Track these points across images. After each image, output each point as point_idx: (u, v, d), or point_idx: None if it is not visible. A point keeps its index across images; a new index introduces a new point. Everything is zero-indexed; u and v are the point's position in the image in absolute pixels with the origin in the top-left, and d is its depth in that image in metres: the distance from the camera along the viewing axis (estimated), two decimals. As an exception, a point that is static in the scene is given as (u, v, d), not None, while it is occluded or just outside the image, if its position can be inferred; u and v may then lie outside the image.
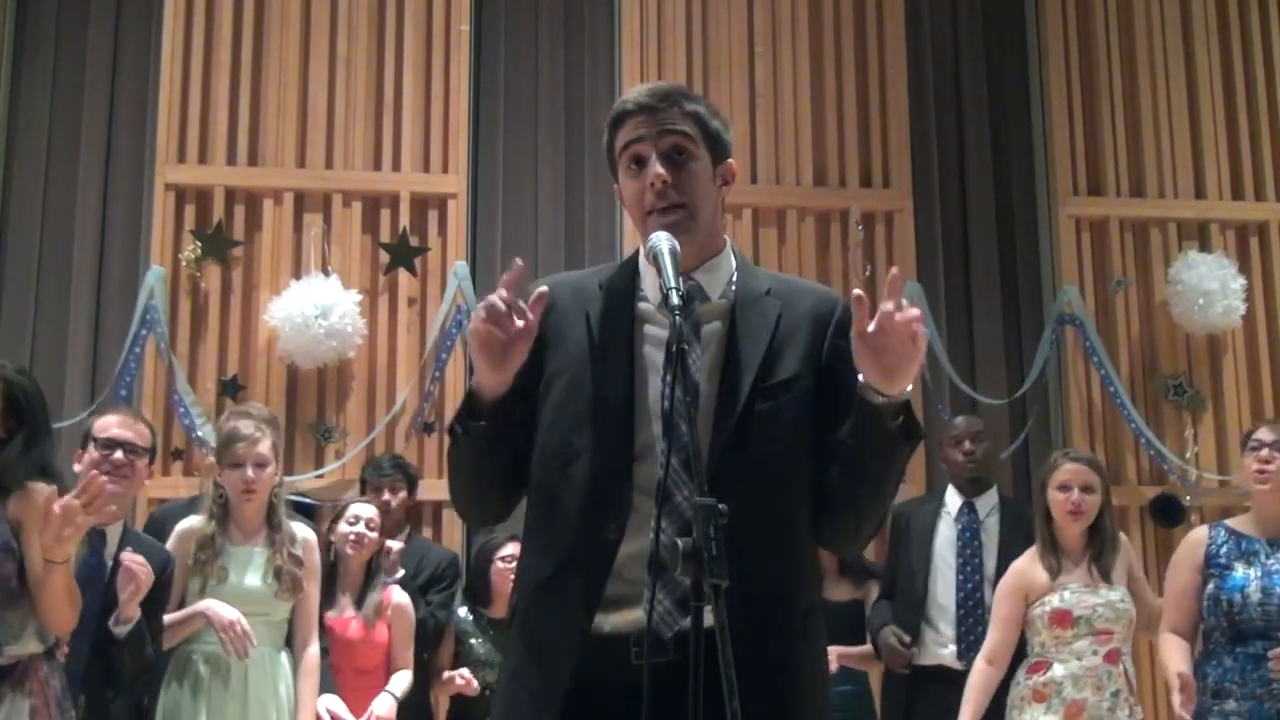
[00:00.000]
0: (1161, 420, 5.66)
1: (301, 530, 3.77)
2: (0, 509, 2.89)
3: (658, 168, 2.05)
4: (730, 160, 2.15)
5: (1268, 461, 3.76)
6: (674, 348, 1.80)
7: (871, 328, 1.86)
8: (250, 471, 3.64)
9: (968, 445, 4.70)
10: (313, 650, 3.73)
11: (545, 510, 2.02)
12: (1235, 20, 6.07)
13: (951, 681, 4.29)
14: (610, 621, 1.92)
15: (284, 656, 3.69)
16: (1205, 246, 5.77)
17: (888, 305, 1.86)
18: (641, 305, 2.09)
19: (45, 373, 5.20)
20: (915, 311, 1.86)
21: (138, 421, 3.65)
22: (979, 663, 4.02)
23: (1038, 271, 5.88)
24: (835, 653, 4.39)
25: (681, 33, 5.72)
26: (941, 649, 4.44)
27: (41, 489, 2.89)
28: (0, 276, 5.40)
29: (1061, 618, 3.87)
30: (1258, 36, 6.08)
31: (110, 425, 3.55)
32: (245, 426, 3.70)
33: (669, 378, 1.96)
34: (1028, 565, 4.01)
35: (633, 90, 2.14)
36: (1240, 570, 3.71)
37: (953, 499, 4.66)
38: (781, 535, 2.01)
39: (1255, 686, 3.57)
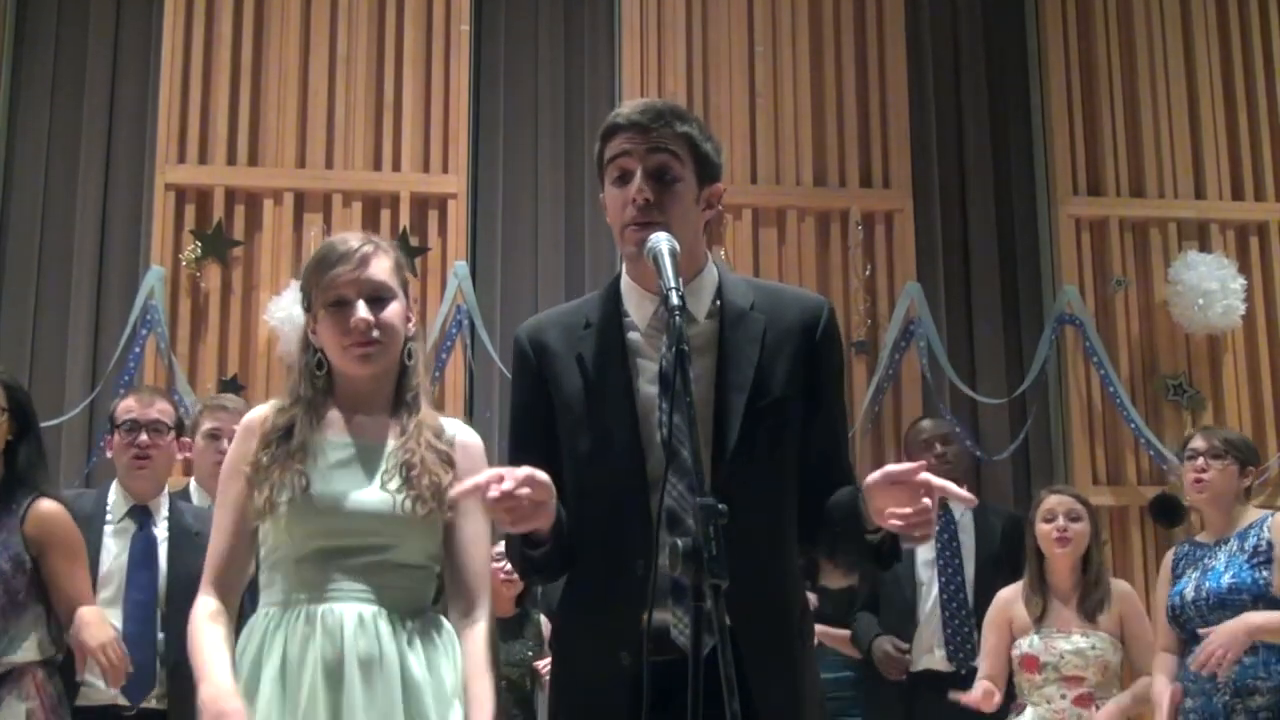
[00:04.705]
0: (1161, 420, 5.65)
1: (456, 426, 2.30)
2: (11, 519, 2.93)
3: (641, 184, 2.07)
4: (719, 184, 2.15)
5: (1203, 470, 3.78)
6: (675, 349, 1.81)
7: (895, 473, 1.88)
8: (363, 310, 2.18)
9: (939, 448, 4.69)
10: (483, 624, 2.19)
11: (577, 546, 2.05)
12: (1235, 20, 6.07)
13: (946, 684, 4.31)
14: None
15: (437, 630, 2.18)
16: (1205, 246, 5.77)
17: (924, 491, 1.85)
18: (630, 337, 2.12)
19: (45, 373, 5.22)
20: (928, 506, 1.86)
21: (155, 399, 3.66)
22: (983, 683, 4.00)
23: (1038, 271, 5.88)
24: (818, 630, 4.40)
25: (681, 33, 5.71)
26: (929, 654, 4.45)
27: (56, 519, 2.97)
28: (0, 276, 5.40)
29: (1029, 663, 3.94)
30: (1258, 36, 6.07)
31: (130, 407, 3.58)
32: (350, 238, 2.27)
33: (667, 402, 1.99)
34: (1013, 597, 4.06)
35: (627, 104, 2.16)
36: (1187, 575, 3.76)
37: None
38: (779, 547, 2.08)
39: (1204, 683, 3.60)
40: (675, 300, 1.84)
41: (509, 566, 4.25)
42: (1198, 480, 3.80)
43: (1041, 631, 3.94)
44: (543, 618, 4.43)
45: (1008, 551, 4.46)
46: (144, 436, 3.53)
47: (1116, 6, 6.00)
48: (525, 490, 1.83)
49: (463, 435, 2.27)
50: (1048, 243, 5.84)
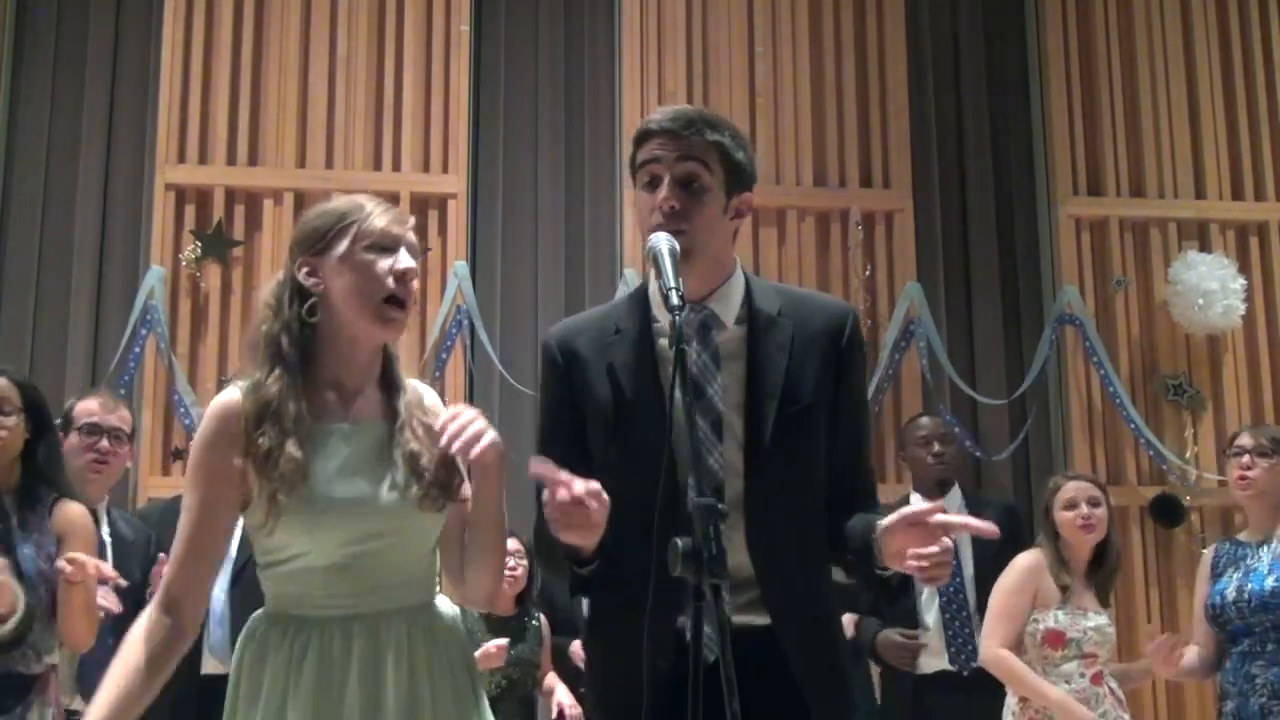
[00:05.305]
0: (1161, 420, 5.65)
1: (428, 393, 2.15)
2: (37, 518, 2.93)
3: (668, 192, 2.07)
4: (748, 193, 2.16)
5: (1249, 468, 3.80)
6: (675, 348, 1.82)
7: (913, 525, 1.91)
8: (408, 259, 2.09)
9: (937, 447, 4.67)
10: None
11: (610, 556, 2.05)
12: (1235, 20, 6.07)
13: (956, 684, 4.30)
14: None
15: (443, 619, 2.07)
16: (1205, 246, 5.77)
17: (943, 538, 1.88)
18: (661, 344, 2.12)
19: (45, 373, 5.20)
20: (948, 546, 1.88)
21: (119, 405, 3.65)
22: (1002, 651, 3.91)
23: (1038, 271, 5.88)
24: (849, 620, 4.41)
25: (681, 33, 5.72)
26: (936, 656, 4.44)
27: (79, 519, 2.96)
28: (0, 276, 5.40)
29: (1054, 638, 3.88)
30: (1258, 36, 6.08)
31: (93, 410, 3.54)
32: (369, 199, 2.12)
33: (697, 410, 2.00)
34: (1037, 564, 3.97)
35: (660, 110, 2.17)
36: (1227, 575, 3.79)
37: (919, 503, 4.57)
38: (812, 549, 2.11)
39: (1242, 684, 3.65)
40: (675, 300, 1.86)
41: (511, 563, 4.27)
42: (1242, 477, 3.81)
43: (1065, 608, 3.91)
44: (542, 618, 4.44)
45: (1006, 545, 4.43)
46: (105, 443, 3.51)
47: (1116, 6, 6.01)
48: (595, 505, 1.84)
49: (430, 398, 2.12)
50: (1048, 243, 5.84)
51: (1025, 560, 3.99)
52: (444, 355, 5.31)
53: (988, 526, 1.94)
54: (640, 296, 2.19)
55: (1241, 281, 5.62)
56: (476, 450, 1.91)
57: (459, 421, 1.92)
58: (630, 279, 5.36)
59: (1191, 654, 3.86)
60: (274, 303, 2.01)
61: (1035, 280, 5.88)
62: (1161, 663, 3.78)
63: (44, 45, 5.57)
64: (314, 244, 2.02)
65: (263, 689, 1.92)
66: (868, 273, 5.59)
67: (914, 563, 1.86)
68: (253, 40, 5.50)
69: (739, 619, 2.03)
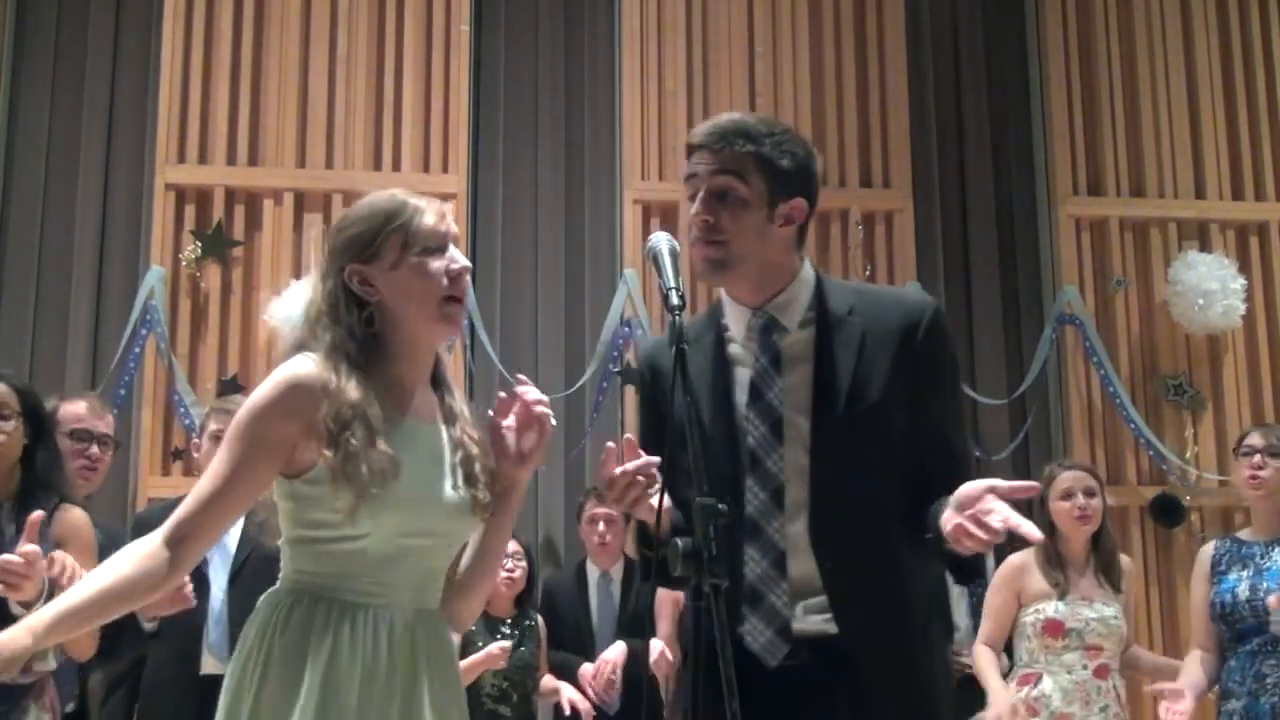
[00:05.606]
0: (1161, 420, 5.65)
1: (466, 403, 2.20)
2: (42, 526, 2.91)
3: (700, 207, 2.09)
4: (800, 199, 2.12)
5: (1260, 468, 3.81)
6: (676, 347, 1.84)
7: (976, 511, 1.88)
8: (458, 255, 2.02)
9: None
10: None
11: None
12: (1235, 20, 6.07)
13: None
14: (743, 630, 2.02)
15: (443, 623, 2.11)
16: (1205, 246, 5.77)
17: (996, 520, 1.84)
18: (731, 349, 2.14)
19: (45, 373, 5.21)
20: (999, 531, 1.85)
21: (105, 410, 3.63)
22: (979, 647, 4.03)
23: (1038, 271, 5.88)
24: None
25: (681, 33, 5.72)
26: (961, 658, 4.45)
27: (79, 524, 2.91)
28: (0, 276, 5.40)
29: (1053, 628, 3.90)
30: (1258, 36, 6.08)
31: (82, 415, 3.51)
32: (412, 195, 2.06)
33: (753, 411, 2.04)
34: (1024, 563, 4.03)
35: (702, 124, 2.17)
36: (1234, 573, 3.78)
37: None
38: (886, 550, 2.06)
39: (1251, 683, 3.64)
40: (675, 300, 1.86)
41: (509, 565, 4.27)
42: (1253, 477, 3.82)
43: (1066, 598, 3.92)
44: (540, 619, 4.43)
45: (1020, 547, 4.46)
46: (95, 449, 3.49)
47: (1116, 6, 6.01)
48: (656, 459, 1.89)
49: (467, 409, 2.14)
50: (1048, 243, 5.84)
51: (1011, 559, 4.06)
52: (444, 355, 5.30)
53: (1037, 535, 1.88)
54: (716, 304, 2.21)
55: (1241, 281, 5.62)
56: (541, 409, 2.02)
57: (535, 392, 2.04)
58: (630, 279, 5.36)
59: (1194, 669, 3.83)
60: (329, 309, 1.98)
61: (1035, 280, 5.88)
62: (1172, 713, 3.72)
63: (44, 45, 5.57)
64: (361, 251, 1.98)
65: (304, 679, 1.87)
66: (868, 273, 5.59)
67: (959, 520, 1.82)
68: (253, 40, 5.50)
69: (807, 626, 2.02)
